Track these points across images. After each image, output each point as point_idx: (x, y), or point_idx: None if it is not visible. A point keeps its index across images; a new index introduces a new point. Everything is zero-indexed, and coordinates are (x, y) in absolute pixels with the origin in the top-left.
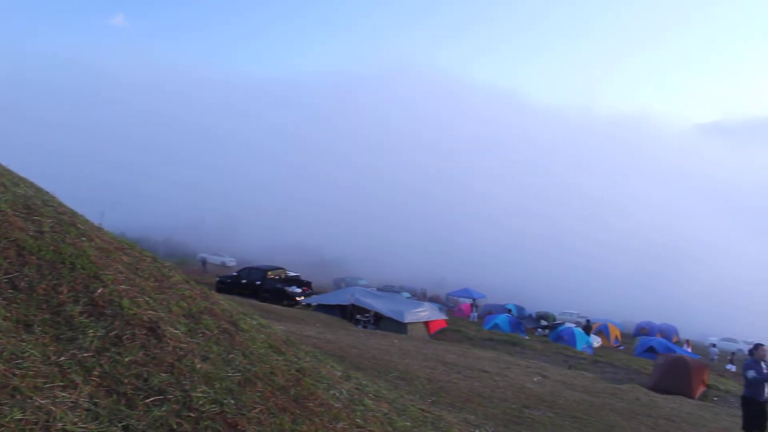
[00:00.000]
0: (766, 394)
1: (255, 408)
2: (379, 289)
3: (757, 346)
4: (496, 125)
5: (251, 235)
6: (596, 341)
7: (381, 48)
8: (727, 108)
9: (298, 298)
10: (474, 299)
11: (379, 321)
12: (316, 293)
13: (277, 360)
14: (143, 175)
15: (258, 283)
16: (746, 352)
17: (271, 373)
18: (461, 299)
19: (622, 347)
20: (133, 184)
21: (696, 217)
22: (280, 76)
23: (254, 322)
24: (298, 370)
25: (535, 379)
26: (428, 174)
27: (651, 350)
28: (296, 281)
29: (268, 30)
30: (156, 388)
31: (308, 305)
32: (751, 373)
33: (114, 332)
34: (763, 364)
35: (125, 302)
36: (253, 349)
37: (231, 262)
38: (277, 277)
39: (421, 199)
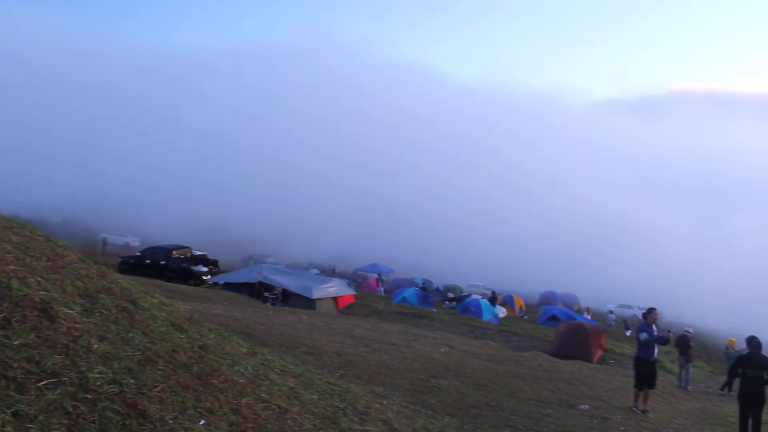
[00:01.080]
0: (655, 355)
1: (156, 387)
2: (287, 267)
3: (650, 311)
4: (415, 99)
5: (156, 216)
6: (501, 312)
7: (303, 21)
8: (640, 83)
9: (204, 277)
10: (380, 274)
11: (287, 298)
12: (224, 272)
13: (180, 338)
14: (43, 157)
15: (163, 263)
16: (641, 317)
17: (173, 351)
18: (370, 274)
19: (526, 317)
20: (29, 167)
21: (605, 188)
22: (186, 46)
23: (155, 301)
24: (201, 347)
25: (442, 349)
26: (341, 149)
27: (553, 318)
28: (202, 260)
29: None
30: (49, 371)
31: (215, 284)
32: (643, 336)
33: (2, 315)
34: (654, 327)
35: (14, 283)
36: (153, 327)
37: (134, 242)
38: (182, 257)
39: (331, 176)
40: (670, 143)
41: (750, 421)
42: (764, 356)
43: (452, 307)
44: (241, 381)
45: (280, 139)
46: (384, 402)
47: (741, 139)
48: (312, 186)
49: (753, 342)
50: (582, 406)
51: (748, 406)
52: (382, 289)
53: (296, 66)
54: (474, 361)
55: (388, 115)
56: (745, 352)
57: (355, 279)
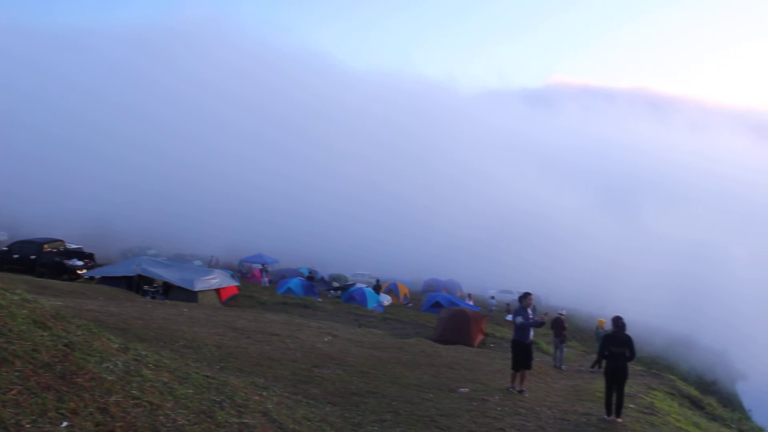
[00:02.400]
0: (531, 337)
1: (11, 389)
2: (169, 259)
3: (525, 295)
4: (308, 87)
5: (28, 208)
6: (386, 300)
7: (191, 3)
8: (520, 75)
9: (79, 272)
10: (264, 264)
11: (168, 291)
12: (100, 265)
13: (42, 336)
14: None
15: (33, 257)
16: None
17: (34, 351)
18: (254, 265)
19: (410, 304)
20: None
21: (493, 176)
22: (62, 26)
23: (16, 297)
24: (66, 345)
25: (326, 339)
26: (227, 139)
27: (437, 305)
28: (77, 254)
29: None
30: None
31: (91, 278)
32: (519, 319)
33: None
34: (529, 311)
35: None
36: (12, 326)
37: (2, 236)
38: (55, 251)
39: (217, 167)
40: (557, 131)
41: (614, 395)
42: (626, 335)
43: (337, 297)
44: (109, 378)
45: (164, 128)
46: (264, 393)
47: (622, 130)
48: (197, 177)
49: (617, 322)
50: (462, 389)
51: (613, 381)
52: (266, 279)
53: (182, 51)
54: (357, 350)
55: (279, 104)
56: (610, 332)
57: (239, 270)
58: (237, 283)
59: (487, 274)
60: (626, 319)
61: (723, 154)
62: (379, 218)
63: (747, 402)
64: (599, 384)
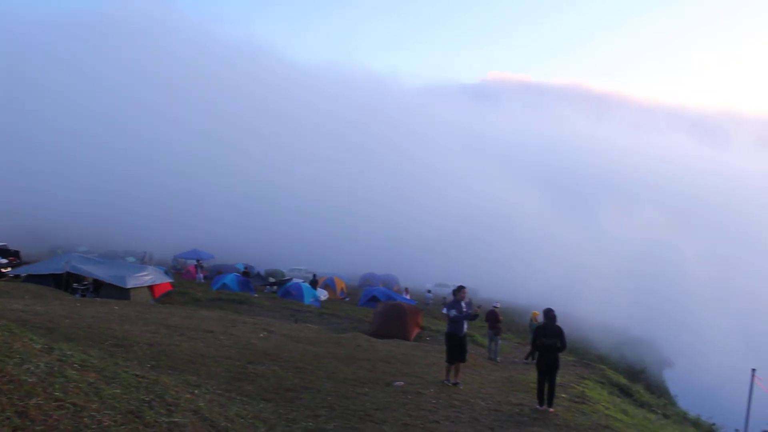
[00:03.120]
0: (464, 330)
1: None
2: (100, 256)
3: (459, 288)
4: (251, 80)
5: None
6: (323, 294)
7: None
8: (458, 70)
9: (3, 270)
10: (199, 260)
11: (99, 288)
12: (27, 263)
13: None
14: None
15: None
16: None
17: None
18: (189, 261)
19: (347, 298)
20: None
21: (446, 166)
22: None
23: None
24: None
25: (261, 335)
26: (165, 131)
27: (374, 299)
28: (1, 251)
29: None
30: None
31: (16, 277)
32: (453, 312)
33: None
34: (463, 304)
35: None
36: None
37: None
38: None
39: (151, 159)
40: (501, 125)
41: (546, 385)
42: (557, 326)
43: (273, 292)
44: (30, 380)
45: (100, 119)
46: (196, 391)
47: (567, 128)
48: (132, 171)
49: (548, 314)
50: (397, 383)
51: (544, 371)
52: (201, 275)
53: (125, 41)
54: (293, 345)
55: (222, 96)
56: (541, 323)
57: (174, 266)
58: (171, 280)
59: (431, 269)
60: (572, 314)
61: (666, 153)
62: (319, 212)
63: (673, 388)
64: (533, 375)
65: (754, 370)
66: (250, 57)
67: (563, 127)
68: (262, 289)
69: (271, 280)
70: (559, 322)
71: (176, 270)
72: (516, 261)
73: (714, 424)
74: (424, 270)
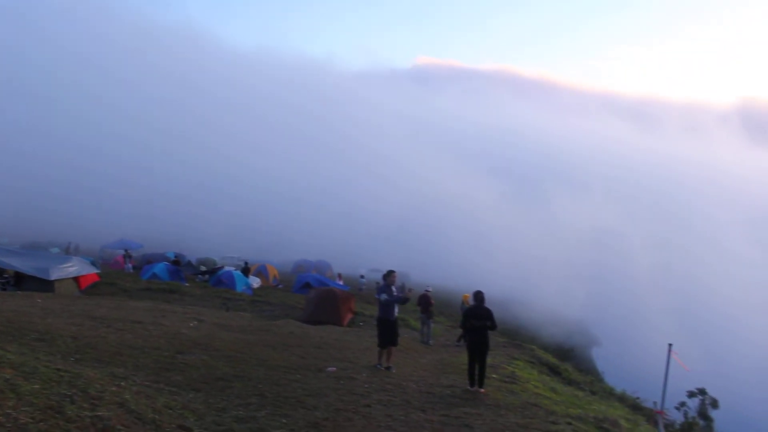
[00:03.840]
0: (395, 314)
1: None
2: (22, 247)
3: (389, 273)
4: (185, 63)
5: None
6: (256, 282)
7: None
8: (387, 56)
9: None
10: (127, 250)
11: (21, 281)
12: None
13: None
14: None
15: None
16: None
17: None
18: (117, 251)
19: (280, 285)
20: None
21: (385, 150)
22: None
23: None
24: None
25: (192, 324)
26: (101, 111)
27: (307, 286)
28: None
29: None
30: None
31: None
32: (383, 297)
33: None
34: (393, 289)
35: None
36: None
37: None
38: None
39: (80, 144)
40: (436, 110)
41: (477, 366)
42: (486, 308)
43: (205, 281)
44: None
45: (26, 102)
46: (122, 384)
47: (504, 113)
48: (56, 155)
49: (477, 296)
50: (329, 369)
51: (475, 353)
52: (130, 265)
53: (58, 24)
54: (224, 334)
55: (155, 79)
56: (471, 305)
57: (101, 257)
58: (97, 271)
59: (367, 254)
60: (510, 298)
61: (604, 139)
62: (253, 198)
63: (601, 365)
64: (464, 357)
65: (670, 345)
66: (186, 40)
67: (502, 112)
68: (194, 278)
69: (203, 268)
70: (495, 306)
71: (103, 260)
72: (454, 245)
73: (638, 398)
74: (359, 255)
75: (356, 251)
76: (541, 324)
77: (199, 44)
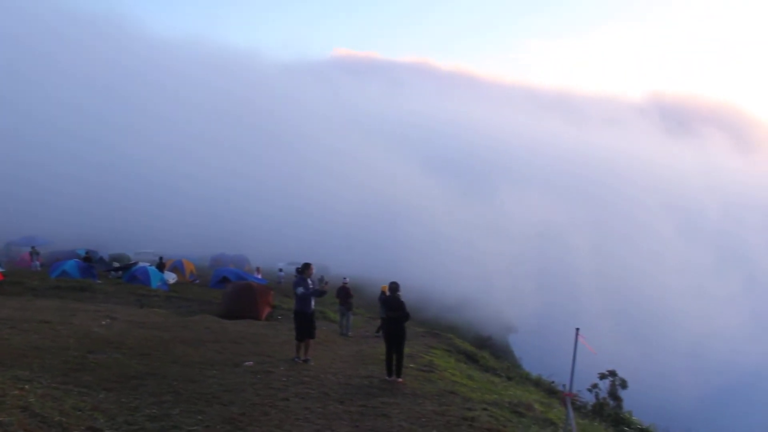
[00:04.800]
0: (312, 307)
1: None
2: None
3: (306, 266)
4: (109, 51)
5: None
6: (171, 278)
7: None
8: (303, 47)
9: None
10: (34, 247)
11: None
12: None
13: None
14: None
15: None
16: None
17: None
18: (24, 248)
19: (197, 281)
20: None
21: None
22: None
23: None
24: None
25: (103, 322)
26: (20, 99)
27: (225, 280)
28: None
29: None
30: None
31: None
32: (300, 290)
33: None
34: (309, 281)
35: None
36: None
37: None
38: None
39: None
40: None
41: (394, 356)
42: (399, 298)
43: (118, 277)
44: None
45: None
46: (27, 386)
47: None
48: None
49: (392, 286)
50: (247, 363)
51: (391, 343)
52: (37, 263)
53: None
54: (138, 331)
55: (82, 64)
56: (385, 296)
57: (6, 254)
58: (2, 269)
59: (286, 247)
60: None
61: (534, 132)
62: (169, 190)
63: (518, 351)
64: (383, 348)
65: (578, 329)
66: (110, 25)
67: (430, 104)
68: (106, 275)
69: (116, 264)
70: (413, 297)
71: (8, 258)
72: (379, 234)
73: (553, 382)
74: (279, 248)
75: (277, 245)
76: (463, 313)
77: (128, 31)
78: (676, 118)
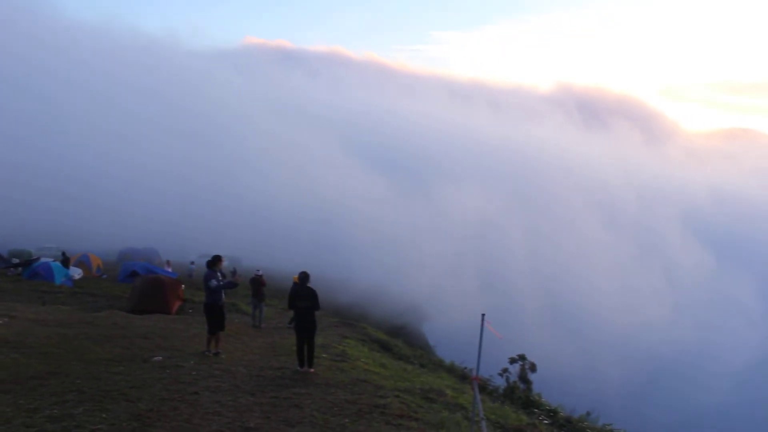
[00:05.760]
0: (222, 299)
1: None
2: None
3: (216, 258)
4: (19, 35)
5: None
6: (77, 273)
7: None
8: (228, 35)
9: None
10: None
11: None
12: None
13: None
14: None
15: None
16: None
17: None
18: None
19: (105, 276)
20: None
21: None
22: None
23: None
24: None
25: (1, 321)
26: None
27: (134, 275)
28: None
29: None
30: None
31: None
32: (213, 282)
33: None
34: (219, 274)
35: None
36: None
37: None
38: None
39: None
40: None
41: (306, 346)
42: (310, 288)
43: (18, 274)
44: None
45: None
46: None
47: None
48: None
49: (301, 276)
50: (155, 358)
51: (302, 333)
52: None
53: None
54: (39, 329)
55: None
56: (295, 287)
57: None
58: None
59: (199, 240)
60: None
61: (448, 121)
62: (74, 181)
63: (432, 339)
64: (295, 339)
65: (483, 315)
66: (21, 9)
67: (346, 94)
68: (5, 272)
69: (15, 261)
70: (327, 288)
71: None
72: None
73: (466, 368)
74: (190, 241)
75: (187, 238)
76: (377, 304)
77: (37, 13)
78: (589, 110)
